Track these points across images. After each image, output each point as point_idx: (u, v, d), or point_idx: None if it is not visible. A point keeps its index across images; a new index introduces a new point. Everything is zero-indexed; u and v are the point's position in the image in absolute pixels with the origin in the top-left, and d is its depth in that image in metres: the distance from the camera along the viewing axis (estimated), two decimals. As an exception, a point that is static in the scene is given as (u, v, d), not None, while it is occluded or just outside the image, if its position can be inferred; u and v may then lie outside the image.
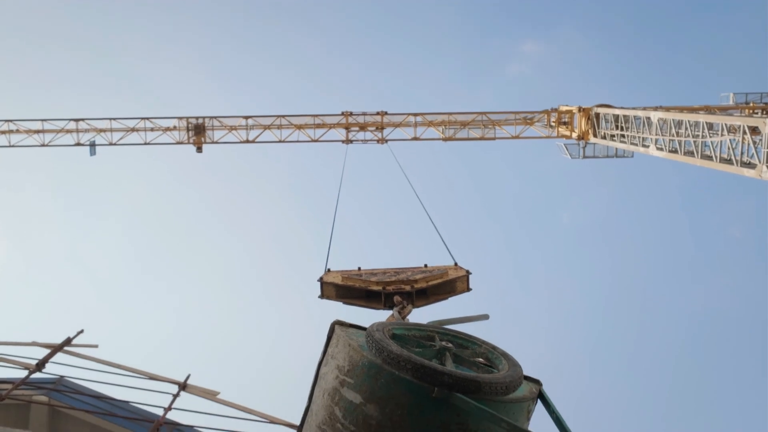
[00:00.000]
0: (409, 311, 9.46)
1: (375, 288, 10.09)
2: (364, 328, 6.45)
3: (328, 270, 10.76)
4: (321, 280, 10.46)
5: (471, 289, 10.49)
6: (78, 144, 27.37)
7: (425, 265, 10.80)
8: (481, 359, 6.80)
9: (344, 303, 10.02)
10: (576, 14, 53.37)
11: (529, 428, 5.77)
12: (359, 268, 10.77)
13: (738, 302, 49.39)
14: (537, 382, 6.82)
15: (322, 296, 10.21)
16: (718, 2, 51.06)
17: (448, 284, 10.33)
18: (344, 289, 10.28)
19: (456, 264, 10.80)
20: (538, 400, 6.44)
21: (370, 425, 5.98)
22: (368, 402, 6.02)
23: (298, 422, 6.76)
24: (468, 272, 10.44)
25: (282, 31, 54.07)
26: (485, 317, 9.18)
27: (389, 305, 9.52)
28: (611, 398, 47.82)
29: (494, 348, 6.96)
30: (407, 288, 9.96)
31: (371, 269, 10.80)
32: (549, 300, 52.16)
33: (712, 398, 46.75)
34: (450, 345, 6.72)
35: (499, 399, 6.02)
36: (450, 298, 10.31)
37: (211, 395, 10.06)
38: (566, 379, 47.90)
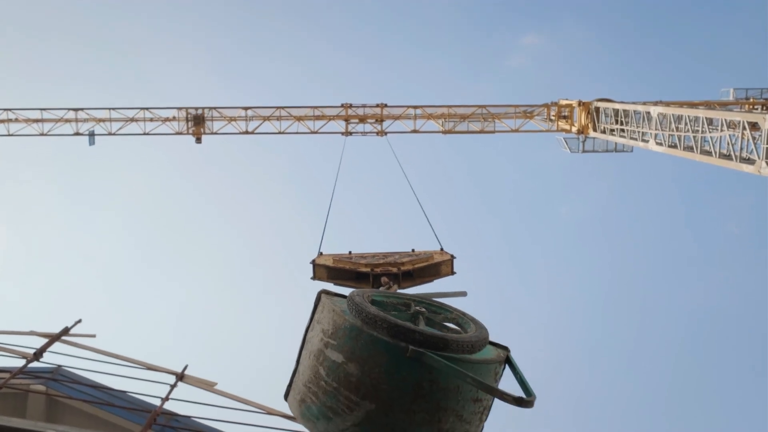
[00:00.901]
0: (395, 292, 9.67)
1: (364, 270, 10.70)
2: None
3: (320, 253, 11.29)
4: (313, 262, 11.06)
5: (455, 273, 11.10)
6: (77, 134, 27.33)
7: (413, 250, 11.46)
8: (451, 323, 7.56)
9: (335, 284, 10.50)
10: (577, 8, 53.29)
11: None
12: (350, 252, 11.32)
13: (736, 298, 49.50)
14: (505, 348, 7.45)
15: (314, 278, 10.83)
16: (720, -3, 50.97)
17: (433, 267, 10.94)
18: (335, 271, 10.86)
19: (442, 249, 11.44)
20: (507, 366, 7.04)
21: (351, 382, 6.56)
22: (349, 361, 6.62)
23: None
24: (452, 256, 11.08)
25: (282, 24, 53.98)
26: (463, 294, 9.61)
27: (377, 286, 10.06)
28: (607, 393, 47.97)
29: (464, 314, 7.61)
30: (394, 270, 10.53)
31: (361, 253, 11.35)
32: (547, 294, 52.25)
33: (710, 394, 46.89)
34: (423, 310, 7.46)
35: (467, 360, 6.63)
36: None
37: (208, 386, 10.08)
38: (563, 373, 48.04)
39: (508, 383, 6.50)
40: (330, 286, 9.56)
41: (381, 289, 9.84)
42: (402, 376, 6.50)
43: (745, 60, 49.81)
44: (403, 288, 10.47)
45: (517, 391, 6.09)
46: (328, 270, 11.00)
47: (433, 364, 6.37)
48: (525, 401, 6.32)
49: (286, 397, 7.66)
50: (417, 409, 6.61)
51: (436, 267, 10.98)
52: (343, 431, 6.84)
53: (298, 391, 7.30)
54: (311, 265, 11.00)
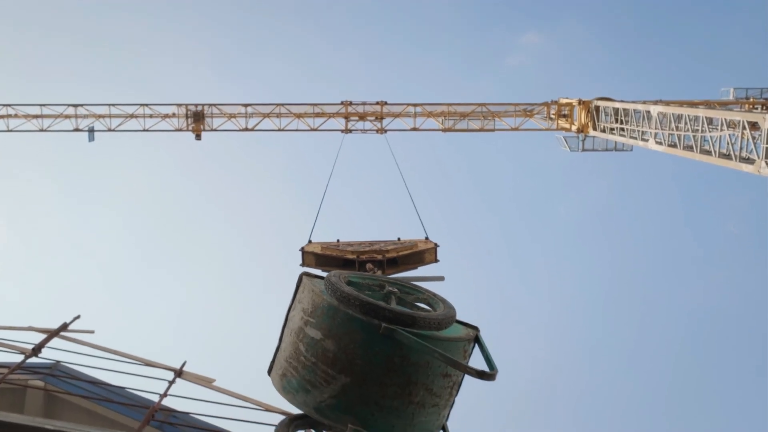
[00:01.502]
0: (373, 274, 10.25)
1: (350, 257, 11.23)
2: None
3: (310, 241, 11.78)
4: (302, 249, 11.62)
5: (439, 260, 11.57)
6: (77, 130, 27.31)
7: (398, 239, 11.95)
8: (422, 303, 8.11)
9: (323, 270, 10.83)
10: (578, 7, 53.25)
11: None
12: (338, 240, 11.85)
13: (735, 297, 49.52)
14: (475, 328, 7.96)
15: (303, 264, 11.34)
16: (721, -3, 50.93)
17: (417, 255, 11.52)
18: (323, 257, 11.37)
19: (426, 238, 11.93)
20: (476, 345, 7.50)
21: (328, 357, 7.09)
22: (327, 338, 7.15)
23: (292, 410, 7.51)
24: (436, 245, 11.58)
25: (283, 22, 53.92)
26: (441, 278, 10.32)
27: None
28: (607, 393, 48.01)
29: (435, 295, 8.15)
30: (379, 257, 11.09)
31: (349, 241, 11.87)
32: (546, 293, 52.28)
33: (709, 394, 46.94)
34: (396, 290, 8.02)
35: (436, 337, 7.17)
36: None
37: (206, 382, 10.09)
38: (563, 373, 48.08)
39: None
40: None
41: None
42: (375, 352, 7.02)
43: (746, 60, 49.81)
44: (388, 274, 10.73)
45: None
46: (316, 257, 11.50)
47: (404, 340, 6.91)
48: (487, 374, 6.89)
49: (269, 372, 8.06)
50: (389, 383, 7.09)
51: (420, 255, 11.52)
52: (321, 402, 7.29)
53: (280, 366, 7.74)
54: (300, 252, 11.55)
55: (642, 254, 52.08)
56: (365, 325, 7.00)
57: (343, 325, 7.12)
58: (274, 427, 8.67)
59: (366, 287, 7.90)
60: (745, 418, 43.79)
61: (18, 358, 9.58)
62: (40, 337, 10.06)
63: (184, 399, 9.41)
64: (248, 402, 9.51)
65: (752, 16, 49.78)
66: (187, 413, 9.51)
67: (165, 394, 9.28)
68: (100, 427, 9.62)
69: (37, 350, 9.77)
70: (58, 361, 10.46)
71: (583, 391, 48.16)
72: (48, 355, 10.06)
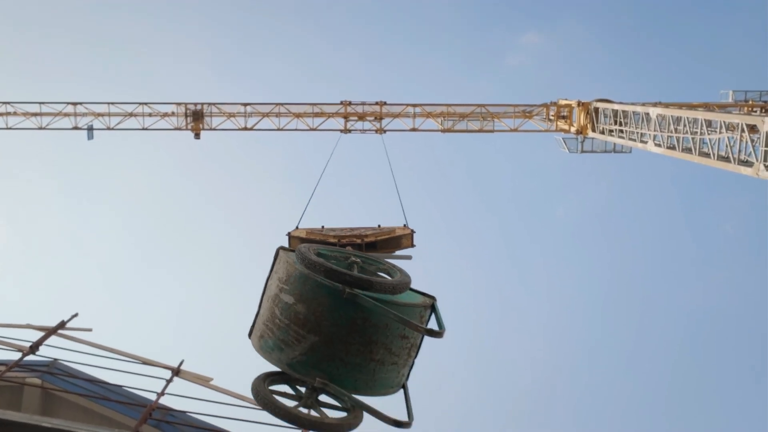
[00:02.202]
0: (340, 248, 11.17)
1: (332, 240, 12.08)
2: None
3: (297, 227, 12.57)
4: (289, 234, 12.43)
5: (415, 245, 12.53)
6: (75, 128, 27.28)
7: (378, 225, 12.74)
8: (383, 273, 9.18)
9: None
10: (577, 7, 53.26)
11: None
12: (322, 227, 12.64)
13: (733, 298, 49.56)
14: (432, 297, 9.00)
15: (289, 248, 12.05)
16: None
17: (394, 240, 12.35)
18: (307, 241, 12.02)
19: (405, 225, 12.80)
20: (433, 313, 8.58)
21: (299, 319, 8.10)
22: (298, 302, 8.15)
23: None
24: (413, 231, 12.52)
25: (282, 21, 53.91)
26: (408, 257, 11.39)
27: None
28: (606, 394, 48.03)
29: (394, 266, 9.28)
30: (358, 241, 11.83)
31: (332, 227, 12.61)
32: (545, 294, 52.28)
33: (707, 393, 46.99)
34: (358, 261, 9.13)
35: (395, 302, 8.20)
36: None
37: (204, 381, 10.09)
38: (562, 374, 48.11)
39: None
40: None
41: None
42: (340, 314, 8.03)
43: (746, 61, 49.85)
44: None
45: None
46: (301, 241, 12.35)
47: (365, 304, 7.90)
48: (435, 332, 8.14)
49: (249, 335, 9.10)
50: (352, 342, 8.11)
51: (398, 239, 12.37)
52: (293, 359, 8.33)
53: (258, 329, 8.78)
54: (287, 237, 12.44)
55: (640, 256, 52.11)
56: (331, 291, 7.96)
57: (312, 291, 8.11)
58: (271, 426, 8.72)
59: (333, 258, 8.93)
60: (744, 419, 43.86)
61: (16, 355, 9.59)
62: (38, 335, 10.07)
63: (181, 398, 9.42)
64: (245, 401, 9.51)
65: (753, 17, 49.85)
66: (185, 412, 9.51)
67: (162, 393, 9.28)
68: (98, 425, 9.61)
69: (34, 348, 9.78)
70: (55, 359, 10.46)
71: (582, 391, 48.22)
72: (46, 352, 10.08)
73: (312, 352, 8.22)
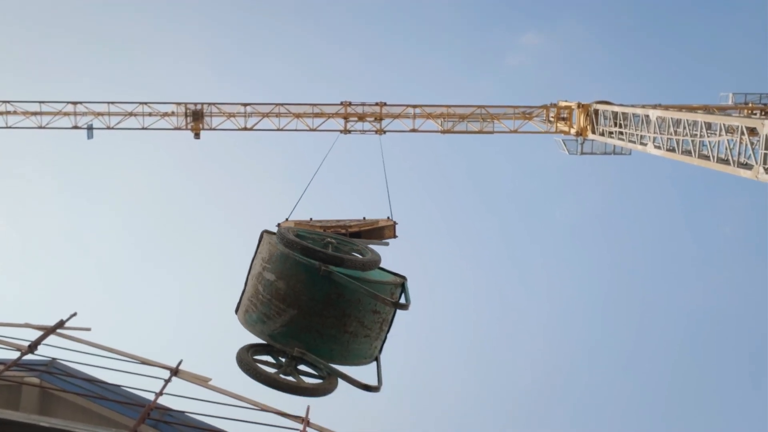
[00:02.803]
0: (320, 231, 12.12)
1: (317, 230, 12.66)
2: None
3: (286, 219, 13.30)
4: (279, 225, 13.07)
5: (397, 236, 13.34)
6: (75, 127, 27.27)
7: (364, 218, 13.53)
8: (356, 253, 10.10)
9: None
10: (578, 7, 53.26)
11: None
12: (311, 219, 13.35)
13: (732, 300, 49.56)
14: (403, 277, 10.06)
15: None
16: (721, 1, 50.99)
17: (377, 230, 13.07)
18: None
19: (389, 217, 13.59)
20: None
21: (280, 294, 9.10)
22: (279, 279, 9.18)
23: (288, 410, 8.73)
24: (395, 222, 13.35)
25: (283, 22, 53.89)
26: (386, 243, 12.45)
27: None
28: (605, 396, 48.02)
29: (366, 247, 10.33)
30: (342, 231, 12.49)
31: (320, 219, 13.34)
32: (545, 295, 52.27)
33: (706, 394, 46.98)
34: (333, 241, 10.17)
35: (367, 279, 9.21)
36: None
37: (202, 381, 10.07)
38: (562, 375, 48.09)
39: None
40: None
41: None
42: (316, 290, 9.00)
43: (746, 63, 49.87)
44: None
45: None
46: None
47: (339, 280, 8.89)
48: (401, 305, 9.23)
49: (236, 311, 10.01)
50: (328, 315, 9.04)
51: (380, 230, 13.11)
52: (274, 331, 9.30)
53: (244, 304, 9.80)
54: (277, 228, 13.03)
55: (640, 257, 52.10)
56: (308, 268, 8.97)
57: (291, 268, 9.10)
58: (269, 426, 8.73)
59: (310, 239, 9.99)
60: (742, 419, 43.86)
61: (14, 354, 9.57)
62: (36, 334, 10.05)
63: (179, 398, 9.40)
64: (244, 401, 9.49)
65: (753, 19, 49.86)
66: (183, 412, 9.49)
67: (161, 393, 9.26)
68: (96, 424, 9.60)
69: (33, 347, 9.76)
70: (54, 359, 10.45)
71: (582, 393, 48.17)
72: (44, 352, 10.06)
73: (291, 324, 9.13)
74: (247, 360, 9.34)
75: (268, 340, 9.48)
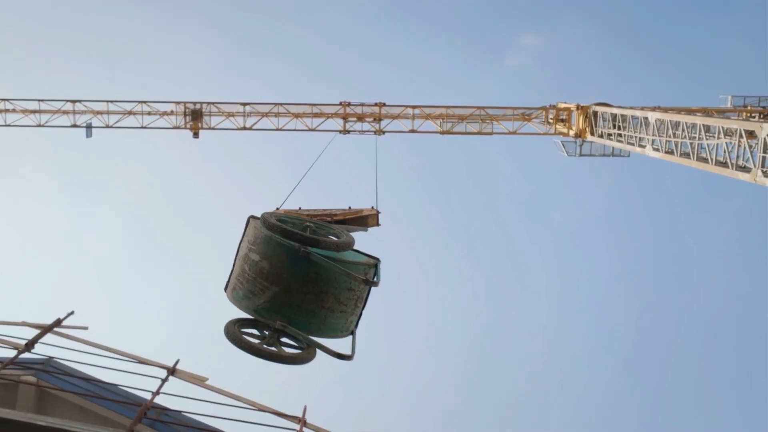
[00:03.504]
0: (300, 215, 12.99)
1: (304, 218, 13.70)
2: None
3: (277, 209, 13.82)
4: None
5: (380, 225, 14.28)
6: (74, 125, 27.25)
7: (349, 207, 14.29)
8: (332, 236, 11.05)
9: None
10: (577, 8, 53.28)
11: None
12: (299, 208, 13.98)
13: (730, 303, 49.59)
14: (377, 259, 11.10)
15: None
16: (721, 2, 51.02)
17: (361, 219, 13.94)
18: None
19: (373, 207, 14.44)
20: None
21: (263, 273, 10.17)
22: (263, 259, 10.22)
23: (285, 410, 8.76)
24: (378, 212, 14.23)
25: (282, 21, 53.88)
26: (364, 230, 13.42)
27: None
28: (604, 396, 48.03)
29: (343, 231, 11.34)
30: (328, 219, 13.18)
31: (308, 208, 14.02)
32: (543, 297, 52.29)
33: (705, 395, 47.00)
34: (311, 225, 11.29)
35: (342, 260, 10.25)
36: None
37: (199, 381, 10.06)
38: (561, 377, 48.11)
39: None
40: None
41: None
42: (296, 269, 10.04)
43: (746, 64, 49.91)
44: None
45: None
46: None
47: (316, 260, 9.94)
48: (372, 282, 10.37)
49: (225, 289, 11.06)
50: (306, 291, 10.07)
51: (364, 219, 13.95)
52: (258, 306, 10.33)
53: (232, 283, 10.88)
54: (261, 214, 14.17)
55: (638, 259, 52.14)
56: (289, 250, 10.01)
57: (274, 249, 10.16)
58: (265, 426, 8.73)
59: (290, 223, 11.04)
60: (740, 421, 43.89)
61: (11, 353, 9.56)
62: (33, 333, 10.04)
63: (176, 397, 9.39)
64: (240, 401, 9.49)
65: (754, 22, 49.89)
66: (180, 411, 9.48)
67: (157, 392, 9.26)
68: (92, 424, 9.59)
69: (30, 346, 9.75)
70: (51, 357, 10.43)
71: (581, 396, 48.21)
72: (41, 350, 10.04)
73: (274, 300, 10.16)
74: (233, 332, 10.24)
75: (253, 314, 10.46)
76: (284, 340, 10.61)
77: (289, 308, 10.19)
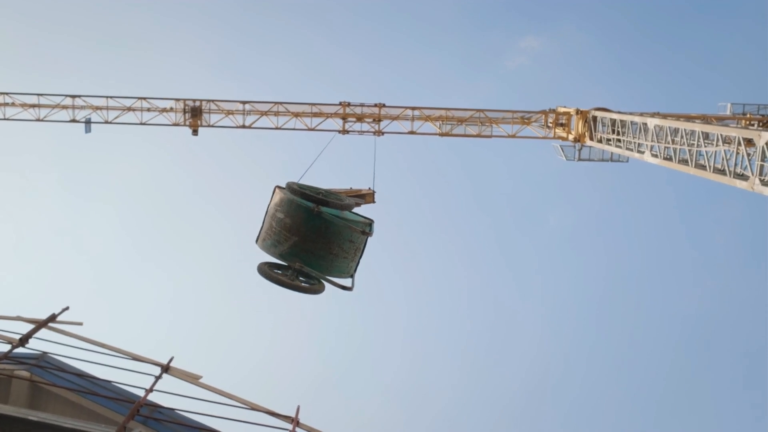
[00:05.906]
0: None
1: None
2: None
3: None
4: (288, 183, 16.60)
5: (375, 202, 18.10)
6: (73, 120, 27.24)
7: (350, 187, 17.83)
8: (339, 200, 14.76)
9: None
10: (577, 11, 53.32)
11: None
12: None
13: (727, 309, 49.64)
14: (371, 220, 14.94)
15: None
16: (723, 9, 51.06)
17: (360, 196, 17.40)
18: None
19: (370, 188, 18.16)
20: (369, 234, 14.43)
21: (287, 226, 13.78)
22: (286, 217, 13.82)
23: (278, 409, 8.99)
24: (374, 191, 18.10)
25: (283, 21, 53.87)
26: (359, 205, 16.52)
27: None
28: (602, 399, 48.05)
29: (346, 197, 15.46)
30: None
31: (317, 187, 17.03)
32: (541, 300, 52.32)
33: (704, 396, 47.05)
34: (323, 191, 14.61)
35: (345, 218, 14.17)
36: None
37: (193, 379, 10.04)
38: (559, 377, 48.12)
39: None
40: None
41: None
42: (311, 224, 13.62)
43: (746, 69, 49.96)
44: None
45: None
46: None
47: (327, 217, 13.61)
48: (366, 233, 13.98)
49: (256, 241, 14.63)
50: (319, 241, 13.67)
51: (362, 196, 17.57)
52: (283, 251, 13.99)
53: (262, 235, 14.45)
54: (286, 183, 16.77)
55: (635, 265, 52.18)
56: (306, 209, 13.60)
57: (295, 209, 13.74)
58: (259, 426, 8.73)
59: (308, 188, 14.48)
60: (737, 423, 43.94)
61: (5, 347, 9.54)
62: (27, 327, 10.02)
63: (169, 395, 9.37)
64: (234, 400, 9.48)
65: (755, 25, 49.95)
66: (173, 409, 9.46)
67: (151, 389, 9.24)
68: (85, 419, 9.57)
69: (24, 340, 9.73)
70: (45, 352, 10.40)
71: (579, 399, 48.22)
72: (35, 345, 10.02)
73: (294, 247, 13.71)
74: (265, 269, 13.94)
75: (278, 258, 14.11)
76: (301, 278, 14.12)
77: (306, 253, 13.66)
